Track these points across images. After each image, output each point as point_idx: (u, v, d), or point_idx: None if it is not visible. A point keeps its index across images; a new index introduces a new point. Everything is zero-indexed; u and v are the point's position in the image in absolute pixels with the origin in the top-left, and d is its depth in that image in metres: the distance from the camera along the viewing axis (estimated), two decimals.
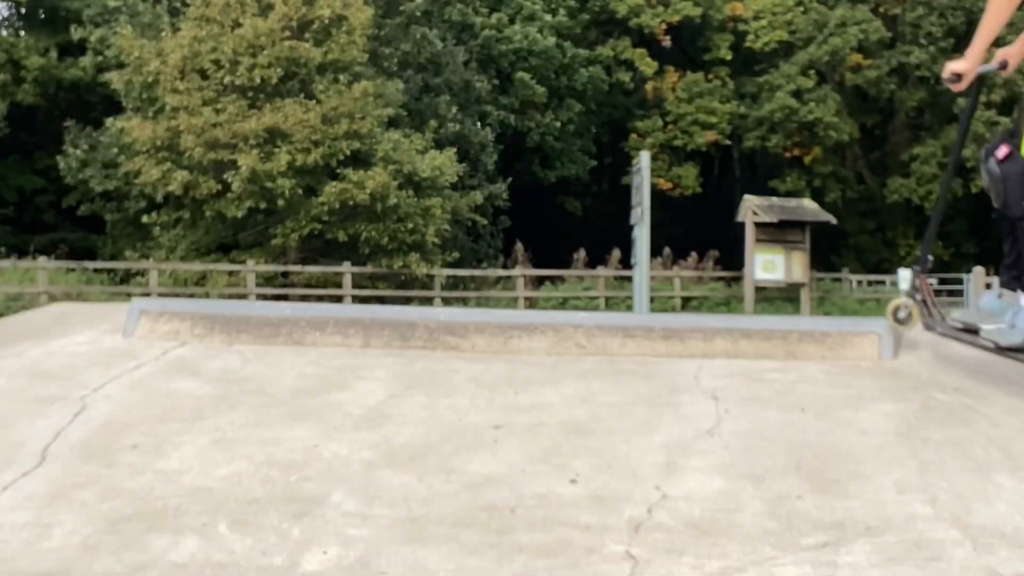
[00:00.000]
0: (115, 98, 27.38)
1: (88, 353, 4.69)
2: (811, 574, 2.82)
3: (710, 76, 39.40)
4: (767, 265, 25.27)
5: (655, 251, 25.15)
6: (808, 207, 27.30)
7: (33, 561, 2.89)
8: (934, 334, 4.52)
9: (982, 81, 4.36)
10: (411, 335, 4.84)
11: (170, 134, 24.42)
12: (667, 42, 39.49)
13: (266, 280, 25.11)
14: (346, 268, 24.94)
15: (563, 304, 25.67)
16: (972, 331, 4.29)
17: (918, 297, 4.50)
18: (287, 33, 24.97)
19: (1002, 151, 4.18)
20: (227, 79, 24.73)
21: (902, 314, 4.52)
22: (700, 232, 36.31)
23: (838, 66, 37.92)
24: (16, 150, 32.57)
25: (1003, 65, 4.31)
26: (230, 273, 24.97)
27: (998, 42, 4.37)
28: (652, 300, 22.44)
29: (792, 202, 28.02)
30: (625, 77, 38.92)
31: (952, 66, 4.25)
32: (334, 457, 3.53)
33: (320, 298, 23.69)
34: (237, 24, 25.06)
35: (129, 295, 20.79)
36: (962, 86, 4.27)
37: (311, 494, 3.26)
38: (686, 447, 3.61)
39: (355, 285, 25.06)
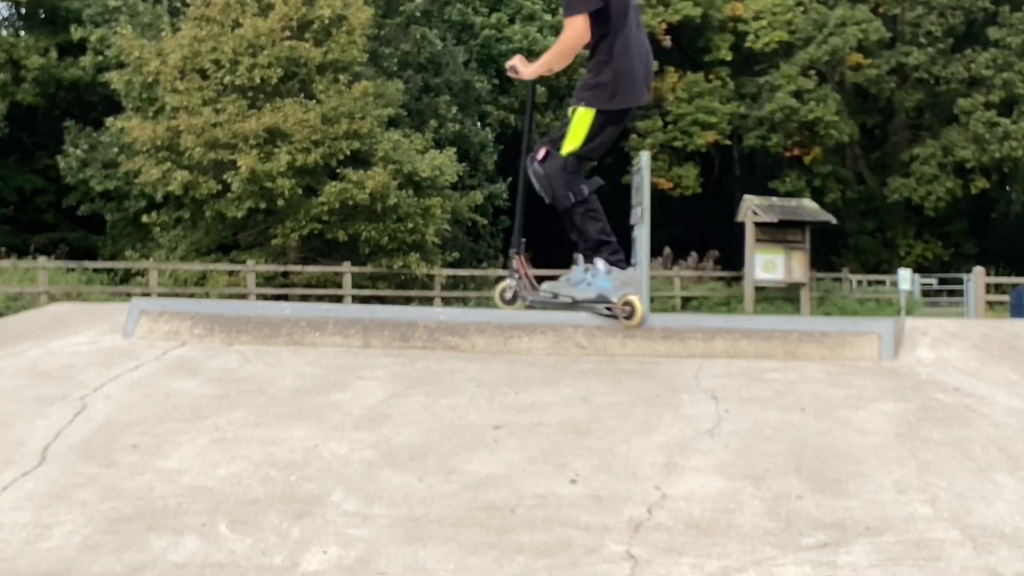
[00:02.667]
0: (115, 98, 27.38)
1: (88, 353, 4.69)
2: (811, 574, 2.82)
3: (710, 76, 39.39)
4: (767, 265, 25.27)
5: (655, 251, 25.16)
6: (808, 207, 27.31)
7: (33, 561, 2.89)
8: (527, 303, 5.01)
9: (534, 86, 5.16)
10: (411, 335, 4.84)
11: (170, 134, 24.42)
12: (667, 42, 39.46)
13: (266, 280, 25.11)
14: (346, 268, 24.94)
15: None
16: (556, 295, 4.93)
17: (517, 276, 5.01)
18: (287, 33, 24.97)
19: (541, 153, 4.82)
20: (227, 79, 24.73)
21: (508, 294, 5.04)
22: (700, 232, 36.32)
23: (838, 66, 37.92)
24: (16, 150, 32.57)
25: (514, 70, 5.04)
26: (230, 273, 24.97)
27: None
28: (652, 300, 22.42)
29: (792, 202, 28.03)
30: None
31: (518, 65, 4.99)
32: (334, 457, 3.53)
33: (320, 298, 23.68)
34: (237, 24, 25.06)
35: (129, 295, 20.79)
36: (519, 78, 5.03)
37: (311, 494, 3.26)
38: (686, 447, 3.61)
39: (355, 285, 25.06)
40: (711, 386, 4.21)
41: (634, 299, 4.76)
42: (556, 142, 4.83)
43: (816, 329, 4.85)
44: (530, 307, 4.99)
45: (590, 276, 4.83)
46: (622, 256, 4.90)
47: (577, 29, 4.68)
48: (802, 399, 4.06)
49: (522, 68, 4.97)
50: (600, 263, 4.82)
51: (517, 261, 5.04)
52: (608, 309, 4.77)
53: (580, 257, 4.94)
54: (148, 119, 25.27)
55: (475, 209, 28.90)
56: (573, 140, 4.78)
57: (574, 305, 4.85)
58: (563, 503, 3.20)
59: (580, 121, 4.76)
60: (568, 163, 4.80)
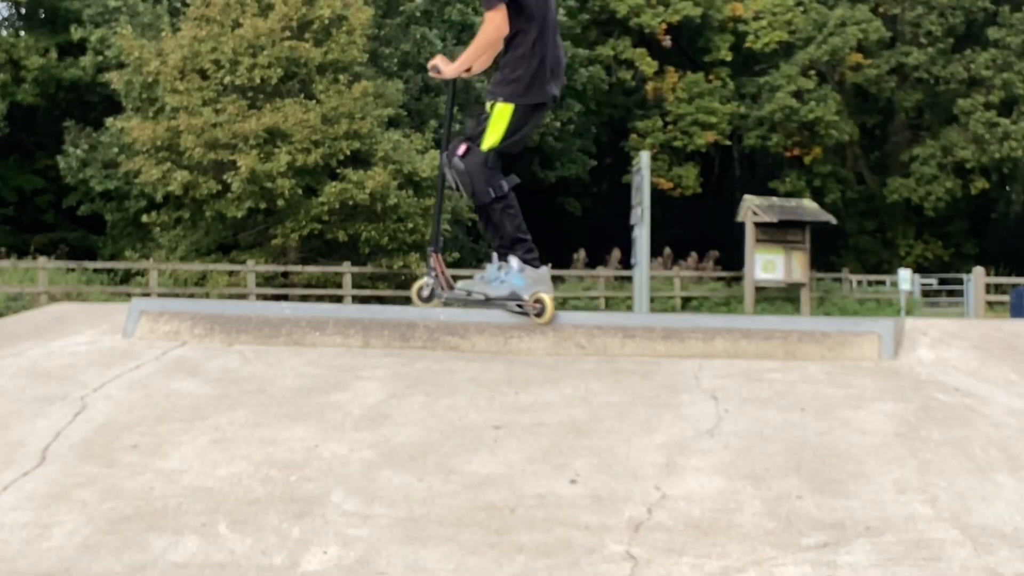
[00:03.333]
0: (115, 98, 27.38)
1: (88, 353, 4.69)
2: (811, 574, 2.82)
3: (710, 76, 39.39)
4: (767, 265, 25.28)
5: (655, 251, 25.15)
6: (808, 207, 27.31)
7: (33, 561, 2.89)
8: (442, 300, 5.11)
9: (455, 85, 5.20)
10: (411, 335, 4.84)
11: (170, 134, 24.42)
12: (667, 42, 39.46)
13: (266, 280, 25.11)
14: (346, 268, 24.94)
15: (563, 304, 25.68)
16: (470, 293, 5.02)
17: (433, 274, 5.09)
18: (287, 33, 24.97)
19: (461, 148, 4.85)
20: (227, 79, 24.73)
21: (424, 292, 5.12)
22: (700, 232, 36.32)
23: (838, 66, 37.92)
24: (16, 150, 32.57)
25: (468, 70, 5.05)
26: (230, 273, 24.97)
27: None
28: (652, 300, 22.44)
29: (792, 202, 28.03)
30: (625, 77, 38.92)
31: (440, 64, 5.03)
32: (334, 457, 3.53)
33: (320, 298, 23.68)
34: (237, 24, 25.06)
35: (129, 295, 20.79)
36: (440, 78, 5.09)
37: (311, 494, 3.26)
38: (686, 447, 3.61)
39: (355, 285, 25.07)
40: (711, 386, 4.21)
41: (545, 297, 4.81)
42: (475, 138, 4.86)
43: (816, 329, 4.85)
44: (446, 304, 5.07)
45: (503, 274, 4.89)
46: (536, 255, 4.95)
47: (496, 23, 4.72)
48: (802, 399, 4.06)
49: (443, 67, 5.01)
50: (514, 261, 4.88)
51: (434, 260, 5.11)
52: (519, 306, 4.83)
53: (495, 255, 5.01)
54: (148, 119, 25.27)
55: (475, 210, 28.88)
56: (493, 135, 4.81)
57: (487, 303, 4.92)
58: (563, 503, 3.21)
59: (499, 116, 4.79)
60: (489, 158, 4.83)
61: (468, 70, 5.03)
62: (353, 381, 4.28)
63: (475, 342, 4.79)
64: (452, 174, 4.88)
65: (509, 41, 4.82)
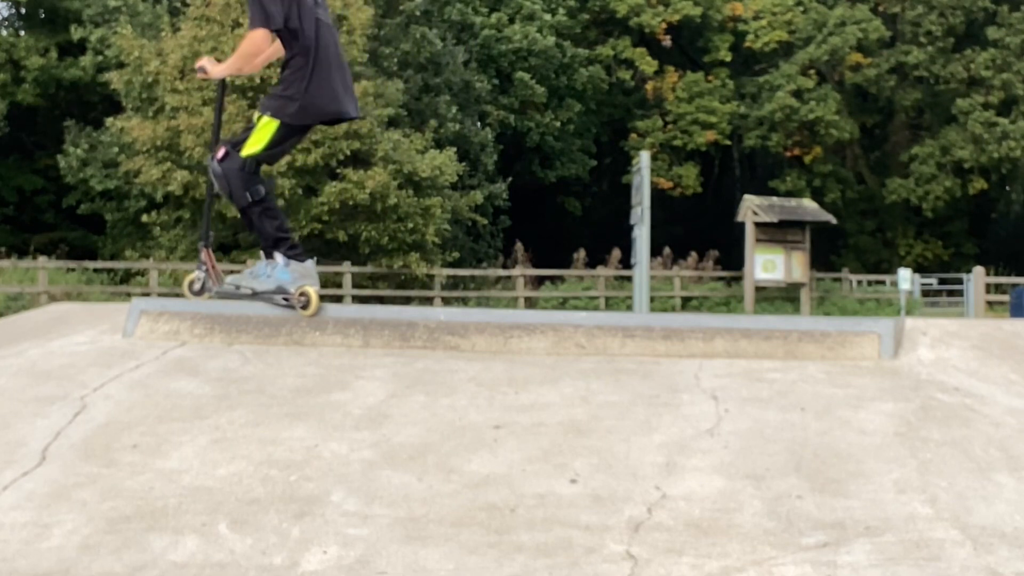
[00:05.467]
0: (115, 98, 27.37)
1: (88, 353, 4.69)
2: (811, 574, 2.82)
3: (710, 76, 39.39)
4: (767, 265, 25.27)
5: (655, 251, 25.14)
6: (808, 207, 27.29)
7: (33, 561, 2.89)
8: (212, 294, 5.23)
9: (224, 86, 5.43)
10: (411, 335, 4.84)
11: (170, 134, 24.41)
12: (667, 42, 39.45)
13: None
14: (346, 268, 24.94)
15: (563, 304, 25.67)
16: (239, 287, 5.16)
17: (204, 268, 5.25)
18: None
19: (220, 152, 4.98)
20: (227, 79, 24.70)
21: (196, 286, 5.26)
22: (700, 232, 36.31)
23: (838, 65, 37.91)
24: (16, 150, 32.56)
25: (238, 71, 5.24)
26: (230, 273, 24.94)
27: None
28: (652, 300, 22.44)
29: (792, 202, 28.01)
30: (625, 76, 38.92)
31: (207, 66, 5.20)
32: (334, 457, 3.53)
33: (320, 298, 23.64)
34: (237, 24, 25.03)
35: (129, 295, 20.78)
36: (204, 78, 5.27)
37: (311, 494, 3.26)
38: (686, 447, 3.61)
39: (355, 285, 25.05)
40: (711, 386, 4.21)
41: (309, 290, 4.96)
42: (237, 144, 4.98)
43: (816, 329, 4.85)
44: (215, 297, 5.20)
45: (270, 269, 5.05)
46: (300, 250, 5.13)
47: (255, 41, 4.90)
48: (802, 399, 4.06)
49: (210, 68, 5.17)
50: (279, 257, 5.04)
51: (205, 254, 5.25)
52: (285, 300, 4.97)
53: (263, 253, 5.16)
54: (148, 119, 25.26)
55: (475, 209, 28.88)
56: (255, 145, 4.93)
57: (255, 296, 5.05)
58: (563, 503, 3.20)
59: (264, 129, 4.92)
60: (247, 165, 4.94)
61: (239, 71, 5.24)
62: (353, 381, 4.28)
63: (475, 342, 4.79)
64: (211, 175, 5.00)
65: (286, 61, 4.98)
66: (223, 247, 26.58)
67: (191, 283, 5.29)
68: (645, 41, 39.55)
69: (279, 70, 5.11)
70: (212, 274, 5.26)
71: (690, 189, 38.80)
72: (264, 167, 5.15)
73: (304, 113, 4.94)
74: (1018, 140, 34.92)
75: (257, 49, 4.96)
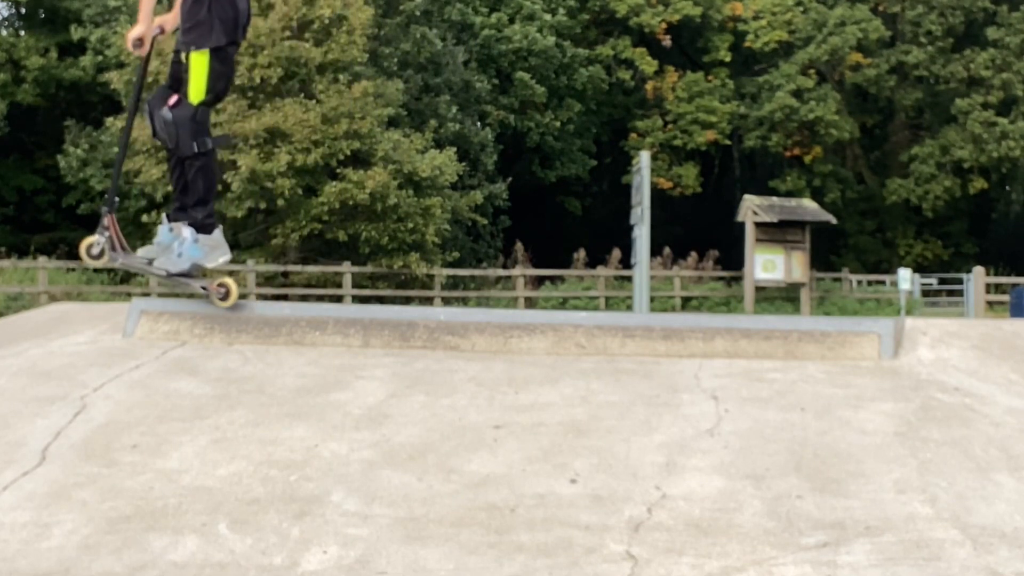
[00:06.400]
0: (115, 98, 27.38)
1: (88, 353, 4.69)
2: (811, 574, 2.82)
3: (710, 76, 39.39)
4: (767, 265, 25.27)
5: (655, 251, 25.14)
6: (808, 207, 27.30)
7: (33, 561, 2.89)
8: (118, 264, 5.09)
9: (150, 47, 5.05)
10: (411, 335, 4.84)
11: None
12: (667, 42, 39.45)
13: (266, 280, 25.11)
14: (346, 268, 24.94)
15: (563, 304, 25.67)
16: (151, 262, 5.01)
17: (106, 234, 5.00)
18: (287, 33, 24.97)
19: (173, 99, 4.82)
20: None
21: (95, 250, 5.02)
22: (700, 232, 36.31)
23: (838, 65, 37.92)
24: (16, 150, 32.57)
25: (160, 30, 5.04)
26: (230, 273, 24.96)
27: None
28: (652, 300, 22.43)
29: (792, 202, 28.02)
30: (625, 76, 38.93)
31: (132, 33, 4.91)
32: (334, 457, 3.53)
33: (320, 298, 23.67)
34: None
35: (129, 295, 20.78)
36: (145, 49, 4.95)
37: (311, 494, 3.26)
38: (686, 447, 3.61)
39: (355, 285, 25.05)
40: (711, 386, 4.21)
41: (229, 281, 4.94)
42: (181, 91, 4.84)
43: (816, 329, 4.85)
44: (121, 267, 5.10)
45: (179, 246, 4.90)
46: (215, 218, 5.02)
47: None
48: (802, 399, 4.06)
49: (132, 32, 4.94)
50: (187, 231, 4.89)
51: (108, 220, 5.05)
52: (204, 289, 4.92)
53: (165, 217, 5.04)
54: None
55: (475, 209, 28.89)
56: (196, 86, 4.80)
57: (168, 277, 4.95)
58: (563, 503, 3.20)
59: (197, 66, 4.80)
60: (198, 112, 4.83)
61: (162, 31, 5.04)
62: (353, 381, 4.28)
63: (475, 342, 4.79)
64: (159, 123, 4.83)
65: None
66: None
67: (89, 247, 5.03)
68: (645, 41, 39.55)
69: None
70: (115, 240, 5.03)
71: (690, 189, 38.81)
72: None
73: (226, 30, 4.81)
74: (1018, 140, 34.92)
75: None
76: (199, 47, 4.78)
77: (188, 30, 4.82)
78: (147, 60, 5.12)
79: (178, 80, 4.89)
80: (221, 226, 5.09)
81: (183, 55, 4.84)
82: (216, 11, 4.80)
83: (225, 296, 4.90)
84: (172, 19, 5.06)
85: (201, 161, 4.86)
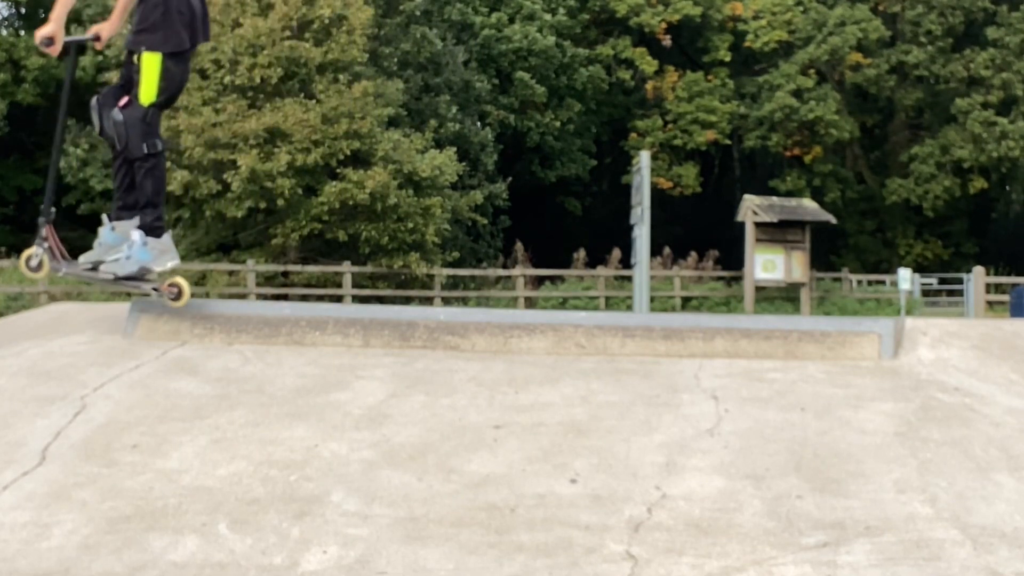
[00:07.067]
0: None
1: (88, 353, 4.69)
2: (811, 574, 2.82)
3: (710, 76, 39.40)
4: (767, 265, 25.28)
5: (655, 251, 25.15)
6: (808, 207, 27.30)
7: (33, 561, 2.89)
8: (61, 274, 4.94)
9: (82, 50, 4.74)
10: (411, 335, 4.84)
11: (170, 134, 24.40)
12: (667, 41, 39.46)
13: (266, 280, 25.11)
14: (346, 268, 24.94)
15: (563, 304, 25.68)
16: (96, 268, 4.87)
17: (45, 245, 4.89)
18: (287, 33, 24.97)
19: (124, 100, 4.74)
20: (227, 79, 24.73)
21: (33, 262, 4.91)
22: (700, 232, 36.32)
23: (838, 65, 37.92)
24: (16, 150, 32.58)
25: (96, 37, 5.00)
26: (230, 273, 24.97)
27: None
28: (652, 300, 22.44)
29: (792, 202, 28.02)
30: (625, 76, 38.93)
31: (41, 32, 4.76)
32: (334, 457, 3.53)
33: (320, 298, 23.68)
34: (237, 24, 25.05)
35: (129, 295, 20.76)
36: (57, 49, 4.80)
37: (311, 494, 3.26)
38: (686, 447, 3.61)
39: (355, 285, 25.06)
40: (711, 386, 4.21)
41: (181, 281, 4.86)
42: (132, 92, 4.76)
43: (816, 329, 4.85)
44: (67, 277, 4.96)
45: (127, 249, 4.81)
46: (163, 222, 4.91)
47: None
48: (802, 399, 4.06)
49: (40, 32, 4.81)
50: (136, 234, 4.80)
51: (46, 230, 4.92)
52: (155, 290, 4.85)
53: (105, 217, 4.93)
54: None
55: (475, 209, 28.90)
56: (148, 88, 4.72)
57: (116, 282, 4.86)
58: (563, 503, 3.20)
59: (149, 67, 4.72)
60: (149, 114, 4.75)
61: (98, 38, 4.96)
62: (353, 381, 4.28)
63: (475, 342, 4.79)
64: (108, 124, 4.76)
65: None
66: (223, 247, 26.59)
67: (28, 259, 4.92)
68: (645, 41, 39.56)
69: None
70: (55, 250, 4.90)
71: (690, 189, 38.81)
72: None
73: (181, 33, 4.76)
74: (1017, 140, 34.93)
75: None
76: (152, 48, 4.71)
77: (141, 31, 4.76)
78: (74, 63, 5.08)
79: (129, 81, 4.82)
80: (169, 231, 4.98)
81: (135, 56, 4.78)
82: (173, 13, 4.75)
83: (177, 296, 4.83)
84: (109, 28, 5.05)
85: (151, 163, 4.78)
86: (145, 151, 4.74)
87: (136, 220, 4.81)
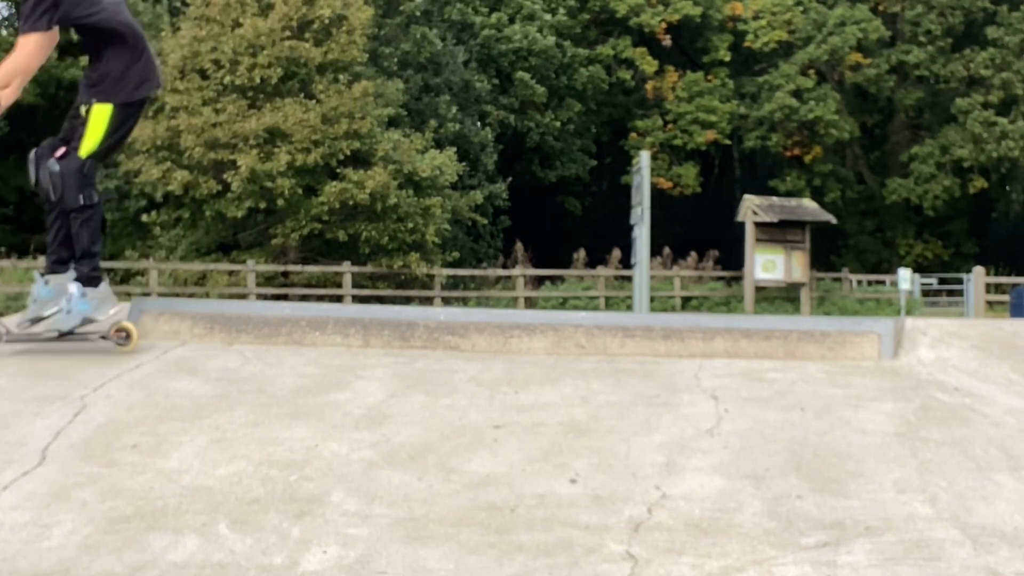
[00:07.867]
0: None
1: (88, 353, 4.69)
2: (811, 574, 2.82)
3: (710, 76, 39.39)
4: (767, 265, 25.27)
5: (655, 251, 25.14)
6: (808, 207, 27.30)
7: (33, 561, 2.89)
8: (4, 342, 4.74)
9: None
10: (411, 335, 4.84)
11: (170, 134, 24.42)
12: (667, 41, 39.46)
13: (266, 280, 25.11)
14: (346, 268, 24.94)
15: (563, 304, 25.66)
16: (36, 323, 4.75)
17: None
18: (287, 33, 24.97)
19: (60, 151, 4.71)
20: (227, 79, 24.73)
21: None
22: (700, 232, 36.31)
23: (837, 65, 37.92)
24: (16, 150, 32.53)
25: None
26: (230, 273, 24.97)
27: None
28: (652, 300, 22.44)
29: (792, 202, 28.02)
30: (625, 76, 38.93)
31: None
32: (334, 457, 3.53)
33: (320, 298, 23.67)
34: (237, 24, 25.05)
35: (129, 295, 20.78)
36: None
37: (311, 494, 3.26)
38: (686, 447, 3.61)
39: (355, 285, 25.06)
40: (711, 386, 4.21)
41: (128, 325, 4.77)
42: (73, 143, 4.73)
43: (816, 329, 4.85)
44: (11, 342, 4.76)
45: (67, 303, 4.71)
46: (100, 272, 4.85)
47: (29, 49, 4.58)
48: (802, 399, 4.06)
49: None
50: (73, 287, 4.72)
51: None
52: (103, 337, 4.75)
53: (36, 274, 4.86)
54: (148, 119, 25.24)
55: (475, 209, 28.89)
56: (91, 139, 4.70)
57: (61, 337, 4.74)
58: (563, 503, 3.20)
59: (98, 118, 4.69)
60: (86, 165, 4.71)
61: None
62: (353, 381, 4.28)
63: (475, 342, 4.79)
64: (44, 175, 4.72)
65: (95, 40, 4.74)
66: (223, 247, 26.58)
67: None
68: (645, 41, 39.56)
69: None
70: None
71: (690, 189, 38.80)
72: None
73: (138, 85, 4.73)
74: (1017, 140, 34.92)
75: (36, 63, 4.65)
76: (105, 99, 4.67)
77: (96, 82, 4.71)
78: None
79: (71, 132, 4.77)
80: (106, 280, 4.91)
81: (83, 109, 4.72)
82: (133, 65, 4.73)
83: (126, 340, 4.74)
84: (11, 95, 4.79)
85: (87, 214, 4.72)
86: (81, 202, 4.69)
87: (72, 273, 4.76)
